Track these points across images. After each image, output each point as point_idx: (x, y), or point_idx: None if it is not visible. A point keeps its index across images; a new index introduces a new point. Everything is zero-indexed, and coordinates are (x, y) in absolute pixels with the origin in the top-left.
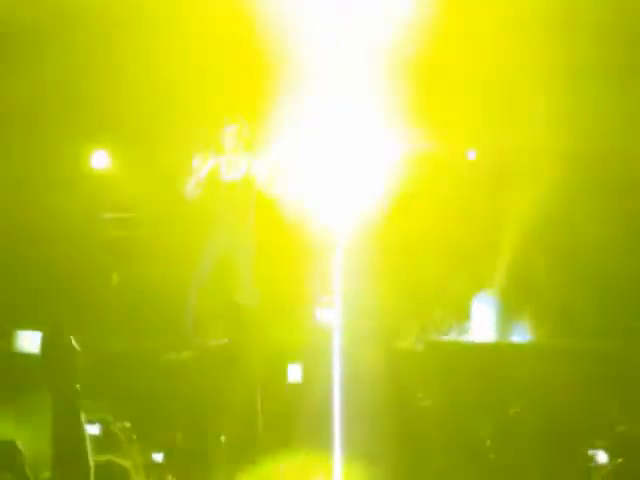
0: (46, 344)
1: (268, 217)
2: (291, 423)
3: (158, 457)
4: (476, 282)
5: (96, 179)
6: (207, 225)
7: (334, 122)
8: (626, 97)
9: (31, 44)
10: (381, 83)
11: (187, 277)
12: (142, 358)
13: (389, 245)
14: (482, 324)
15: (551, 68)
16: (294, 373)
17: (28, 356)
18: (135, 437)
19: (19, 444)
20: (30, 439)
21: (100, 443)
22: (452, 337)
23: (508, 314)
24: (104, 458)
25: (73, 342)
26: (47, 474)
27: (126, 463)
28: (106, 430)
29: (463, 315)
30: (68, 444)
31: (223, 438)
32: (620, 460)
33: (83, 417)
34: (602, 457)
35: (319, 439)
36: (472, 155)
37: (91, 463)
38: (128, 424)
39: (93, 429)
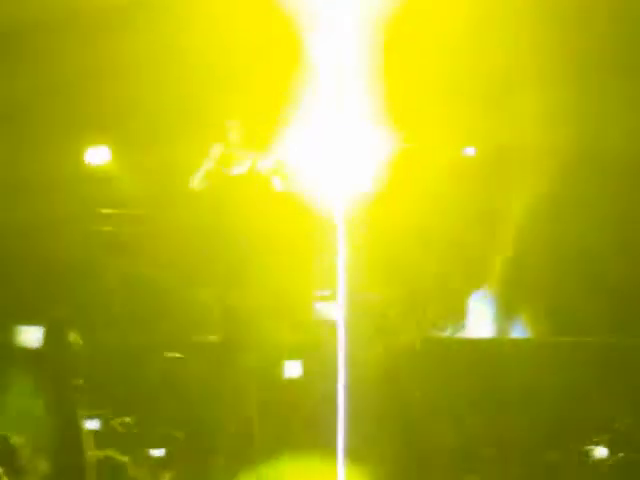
0: (47, 339)
1: (270, 212)
2: (290, 420)
3: (159, 452)
4: (474, 278)
5: (95, 175)
6: (207, 220)
7: (334, 119)
8: (626, 95)
9: (33, 41)
10: (380, 80)
11: (186, 273)
12: (142, 354)
13: (388, 242)
14: (480, 321)
15: (550, 65)
16: (293, 370)
17: (29, 351)
18: (136, 432)
19: (13, 438)
20: (29, 433)
21: (99, 438)
22: (450, 334)
23: (506, 310)
24: (102, 453)
25: (74, 337)
26: (45, 468)
27: (124, 458)
28: (106, 425)
29: (461, 311)
30: (67, 438)
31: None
32: (621, 455)
33: (83, 412)
34: (602, 452)
35: (318, 437)
36: (470, 152)
37: (89, 458)
38: (128, 419)
39: (93, 424)
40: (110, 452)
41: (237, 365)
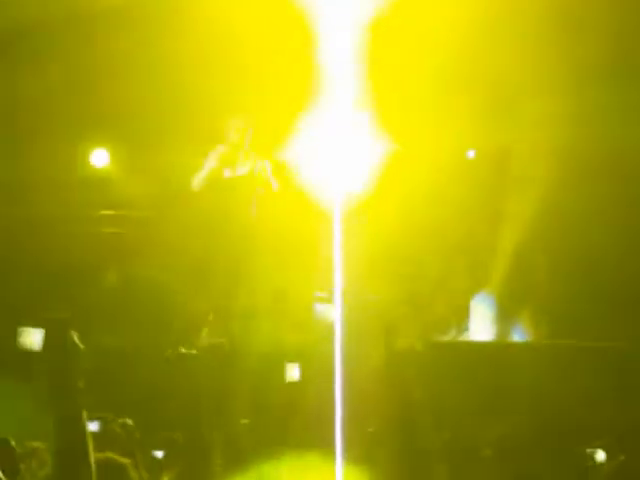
0: (48, 341)
1: (270, 213)
2: (289, 422)
3: (159, 454)
4: (476, 281)
5: (96, 177)
6: (206, 222)
7: (335, 120)
8: (627, 97)
9: (34, 43)
10: (380, 81)
11: (187, 275)
12: (142, 355)
13: (390, 244)
14: (481, 323)
15: (551, 67)
16: (292, 372)
17: (30, 353)
18: (138, 434)
19: (12, 442)
20: (29, 436)
21: (100, 440)
22: (452, 336)
23: (508, 313)
24: (102, 455)
25: (75, 339)
26: (44, 472)
27: (125, 460)
28: (106, 427)
29: (463, 314)
30: (69, 442)
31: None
32: (621, 458)
33: (85, 414)
34: (601, 456)
35: (317, 438)
36: (472, 154)
37: (90, 460)
38: (130, 421)
39: (93, 426)
40: (110, 454)
41: (237, 367)
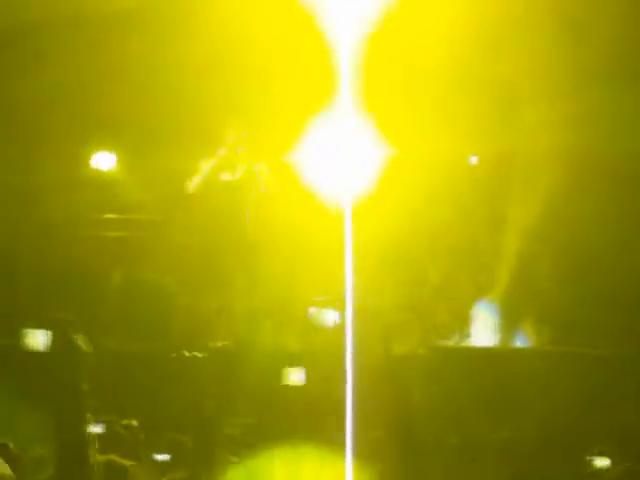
0: (52, 344)
1: (273, 217)
2: (294, 425)
3: (164, 457)
4: (480, 286)
5: (100, 180)
6: (207, 226)
7: (335, 125)
8: (630, 100)
9: (38, 46)
10: (383, 87)
11: (190, 278)
12: (147, 358)
13: (394, 248)
14: (484, 329)
15: (556, 71)
16: (296, 376)
17: (34, 355)
18: (142, 436)
19: (11, 446)
20: (32, 438)
21: (104, 443)
22: (455, 342)
23: (511, 319)
24: (104, 457)
25: (80, 341)
26: (45, 475)
27: (127, 463)
28: (111, 429)
29: (465, 320)
30: (72, 444)
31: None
32: (625, 465)
33: (88, 417)
34: (605, 462)
35: (322, 441)
36: (477, 159)
37: (94, 462)
38: (135, 423)
39: (98, 428)
40: (114, 456)
41: (241, 370)
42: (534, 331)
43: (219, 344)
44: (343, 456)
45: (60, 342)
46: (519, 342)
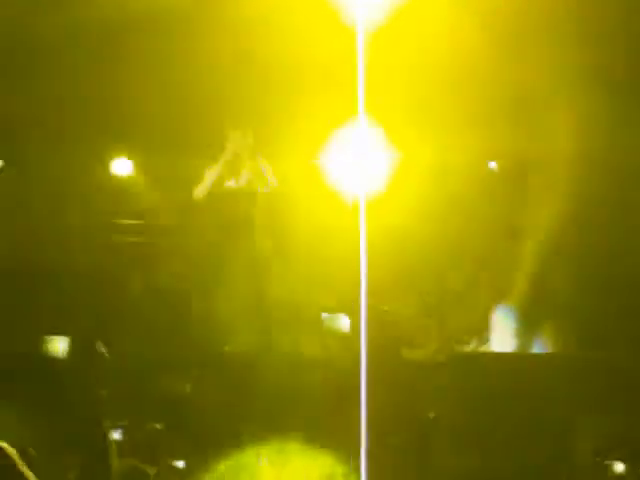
0: (72, 350)
1: (287, 222)
2: (309, 431)
3: (183, 463)
4: (498, 292)
5: (118, 186)
6: (222, 231)
7: (353, 132)
8: None
9: (52, 52)
10: (401, 91)
11: (207, 284)
12: (167, 363)
13: (410, 254)
14: (503, 336)
15: (574, 77)
16: (312, 381)
17: (54, 361)
18: (165, 442)
19: (32, 451)
20: (54, 444)
21: (124, 448)
22: (473, 348)
23: (529, 325)
24: (128, 463)
25: (99, 347)
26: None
27: (150, 469)
28: (131, 435)
29: (484, 327)
30: (93, 449)
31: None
32: None
33: (107, 422)
34: (621, 467)
35: (337, 448)
36: (495, 166)
37: (115, 468)
38: (155, 428)
39: (117, 434)
40: (135, 462)
41: (256, 376)
42: (554, 337)
43: (236, 349)
44: (358, 462)
45: (79, 348)
46: (538, 348)
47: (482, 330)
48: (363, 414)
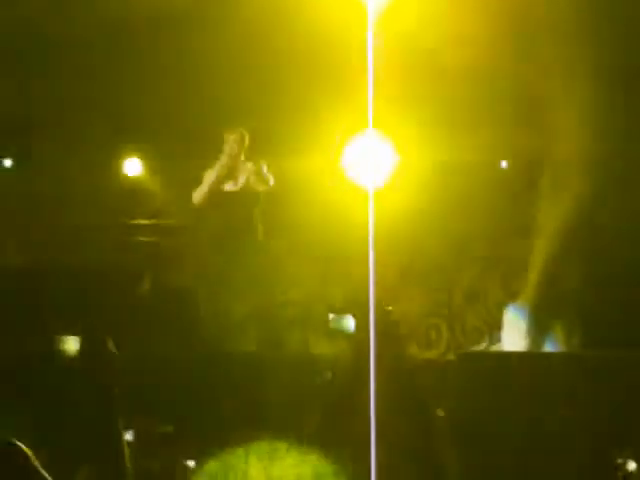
0: (84, 349)
1: (299, 222)
2: (320, 432)
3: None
4: (509, 291)
5: (131, 186)
6: (233, 231)
7: (360, 130)
8: None
9: (68, 52)
10: (409, 90)
11: (220, 284)
12: (178, 363)
13: (421, 253)
14: (514, 334)
15: (585, 77)
16: (322, 381)
17: (67, 361)
18: (177, 442)
19: (44, 451)
20: (67, 445)
21: (137, 448)
22: (484, 347)
23: (541, 324)
24: (140, 463)
25: (111, 346)
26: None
27: (162, 469)
28: (143, 435)
29: (495, 326)
30: (105, 449)
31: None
32: None
33: (121, 421)
34: (633, 466)
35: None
36: (506, 165)
37: (128, 468)
38: (168, 429)
39: (130, 435)
40: (148, 462)
41: (268, 376)
42: (565, 336)
43: (248, 350)
44: (365, 462)
45: (92, 348)
46: (550, 346)
47: (493, 329)
48: (372, 414)
